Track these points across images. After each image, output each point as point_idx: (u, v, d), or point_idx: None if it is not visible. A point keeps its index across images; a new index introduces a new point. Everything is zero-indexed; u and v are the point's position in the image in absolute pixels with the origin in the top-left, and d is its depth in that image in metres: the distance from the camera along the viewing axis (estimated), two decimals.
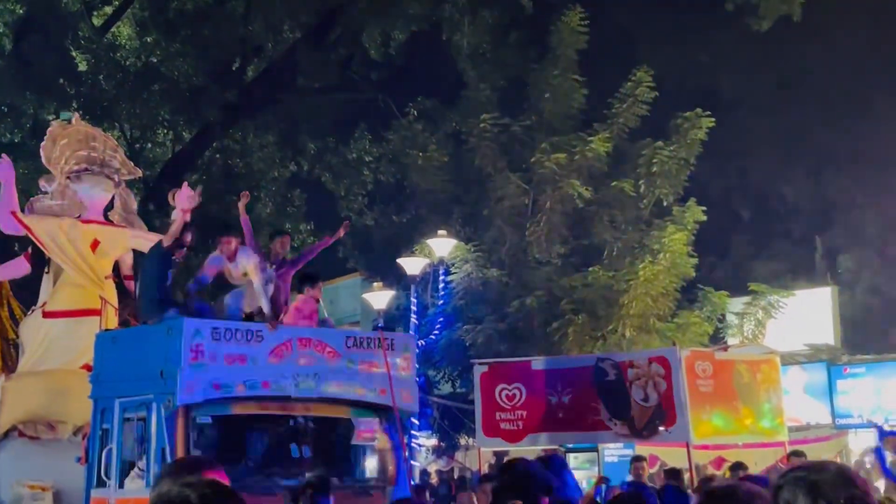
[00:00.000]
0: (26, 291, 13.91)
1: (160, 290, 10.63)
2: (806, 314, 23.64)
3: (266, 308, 10.58)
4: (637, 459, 13.64)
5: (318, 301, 11.16)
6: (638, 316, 20.89)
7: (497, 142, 22.75)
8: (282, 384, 10.05)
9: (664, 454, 16.61)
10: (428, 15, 27.79)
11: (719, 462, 16.62)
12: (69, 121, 14.15)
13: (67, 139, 13.72)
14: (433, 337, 21.90)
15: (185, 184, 13.67)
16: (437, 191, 23.94)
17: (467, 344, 21.57)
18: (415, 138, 24.38)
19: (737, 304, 22.61)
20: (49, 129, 14.11)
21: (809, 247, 30.62)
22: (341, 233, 12.53)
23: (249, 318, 10.80)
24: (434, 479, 22.35)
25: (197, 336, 9.67)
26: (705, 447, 15.80)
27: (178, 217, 10.97)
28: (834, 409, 21.68)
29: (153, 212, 23.57)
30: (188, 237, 11.15)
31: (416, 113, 25.61)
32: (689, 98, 23.17)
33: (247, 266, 10.82)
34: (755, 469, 14.13)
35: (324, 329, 10.89)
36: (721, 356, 14.15)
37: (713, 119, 22.24)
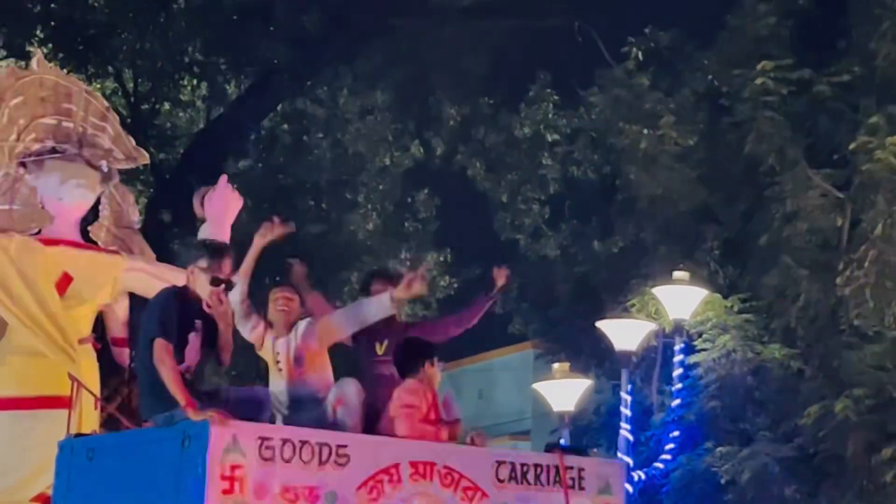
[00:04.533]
0: None
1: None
2: None
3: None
4: None
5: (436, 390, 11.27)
6: None
7: (787, 111, 22.65)
8: None
9: None
10: None
11: None
12: (27, 64, 14.52)
13: (23, 96, 14.07)
14: (661, 466, 21.81)
15: (224, 178, 14.00)
16: (676, 197, 24.01)
17: (723, 481, 21.51)
18: (637, 101, 24.39)
19: None
20: None
21: None
22: (501, 284, 12.61)
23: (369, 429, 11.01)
24: None
25: (233, 452, 9.81)
26: None
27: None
28: None
29: (168, 225, 24.01)
30: (227, 266, 11.38)
31: (640, 56, 25.63)
32: None
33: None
34: None
35: (458, 448, 10.98)
36: None
37: None
